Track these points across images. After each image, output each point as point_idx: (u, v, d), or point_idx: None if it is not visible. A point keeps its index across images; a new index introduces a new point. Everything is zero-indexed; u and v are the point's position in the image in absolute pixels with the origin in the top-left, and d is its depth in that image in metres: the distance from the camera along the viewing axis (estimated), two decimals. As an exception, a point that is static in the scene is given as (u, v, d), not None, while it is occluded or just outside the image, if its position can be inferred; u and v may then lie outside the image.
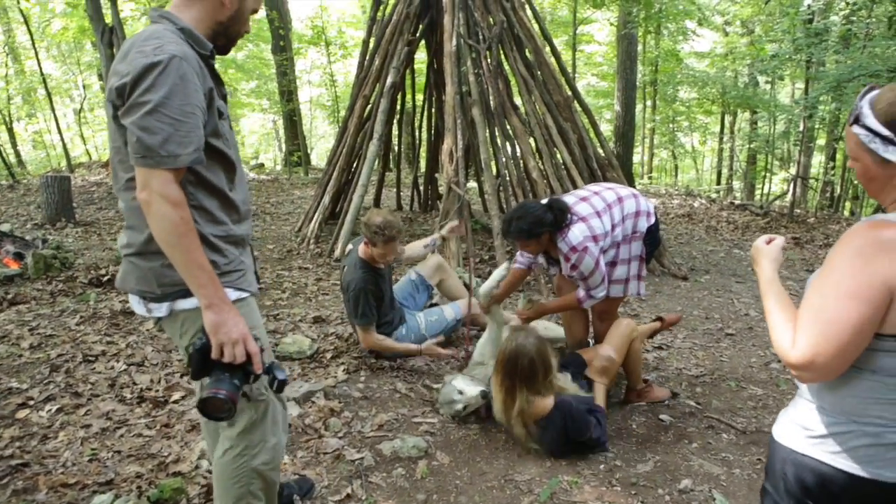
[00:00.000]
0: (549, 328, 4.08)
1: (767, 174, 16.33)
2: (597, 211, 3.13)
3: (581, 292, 3.21)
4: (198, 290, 1.60)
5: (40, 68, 13.37)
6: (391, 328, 3.83)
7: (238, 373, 1.66)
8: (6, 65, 14.92)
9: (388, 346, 3.71)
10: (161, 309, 1.73)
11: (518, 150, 6.21)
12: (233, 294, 1.76)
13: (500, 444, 3.00)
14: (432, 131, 8.51)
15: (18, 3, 13.48)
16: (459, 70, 6.07)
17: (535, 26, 6.63)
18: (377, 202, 9.08)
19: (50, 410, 3.11)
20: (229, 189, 1.78)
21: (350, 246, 3.91)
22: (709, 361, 4.10)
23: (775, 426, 1.45)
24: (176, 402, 3.25)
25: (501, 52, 6.33)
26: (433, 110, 8.35)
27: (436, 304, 4.32)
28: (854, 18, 9.87)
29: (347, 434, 2.99)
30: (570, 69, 12.25)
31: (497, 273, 3.47)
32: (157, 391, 3.36)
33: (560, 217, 3.01)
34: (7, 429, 2.91)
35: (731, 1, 16.26)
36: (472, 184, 8.24)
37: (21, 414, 3.06)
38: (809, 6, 9.51)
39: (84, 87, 18.89)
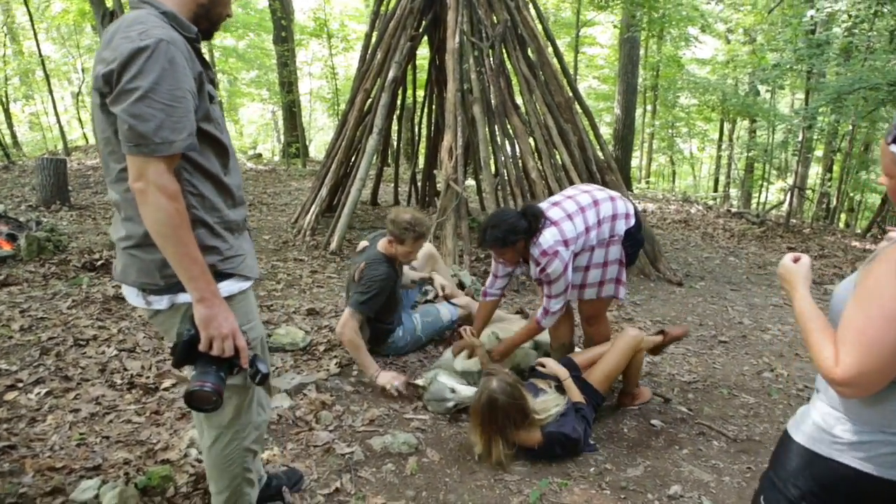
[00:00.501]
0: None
1: (764, 183, 16.38)
2: (568, 214, 3.09)
3: (539, 312, 3.18)
4: (190, 282, 1.58)
5: (39, 50, 13.26)
6: (391, 330, 3.75)
7: (224, 365, 1.66)
8: (4, 45, 14.79)
9: (356, 347, 3.38)
10: (162, 301, 1.71)
11: (517, 149, 6.20)
12: (234, 286, 1.76)
13: (490, 442, 2.99)
14: (432, 128, 8.49)
15: (19, -18, 13.39)
16: (461, 67, 6.06)
17: (539, 26, 6.63)
18: (374, 196, 9.07)
19: (39, 393, 3.08)
20: (223, 174, 1.75)
21: (365, 242, 3.81)
22: (701, 368, 4.11)
23: (794, 426, 1.50)
24: (166, 389, 3.23)
25: (504, 50, 6.32)
26: (433, 107, 8.33)
27: (430, 301, 4.28)
28: (856, 31, 9.91)
29: (338, 428, 2.98)
30: (571, 71, 12.24)
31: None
32: (148, 378, 3.34)
33: (534, 223, 2.99)
34: (-5, 411, 2.88)
35: (734, 9, 16.29)
36: (471, 182, 8.23)
37: (10, 396, 3.03)
38: (812, 17, 9.52)
39: (83, 70, 18.76)
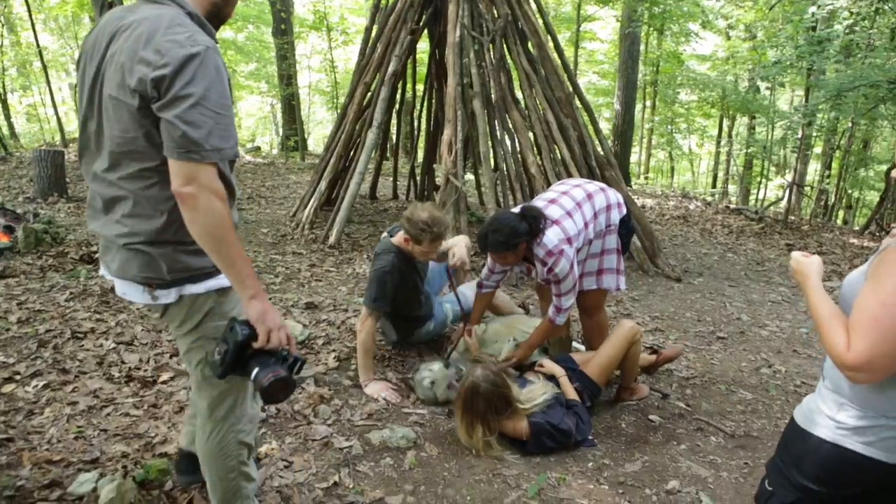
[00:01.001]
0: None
1: (763, 180, 16.38)
2: (567, 211, 3.10)
3: (551, 311, 3.19)
4: (242, 281, 1.59)
5: (37, 41, 13.18)
6: (421, 324, 3.68)
7: (276, 358, 1.65)
8: (2, 36, 14.70)
9: (364, 350, 3.28)
10: (170, 295, 1.69)
11: (517, 144, 6.18)
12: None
13: (489, 437, 2.99)
14: (431, 122, 8.47)
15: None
16: (462, 61, 6.04)
17: (540, 21, 6.60)
18: (373, 190, 9.05)
19: (36, 386, 3.07)
20: (230, 175, 1.73)
21: (385, 234, 3.64)
22: (700, 364, 4.11)
23: (800, 413, 1.57)
24: (164, 382, 3.23)
25: (505, 45, 6.29)
26: (433, 101, 8.31)
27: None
28: (857, 28, 9.89)
29: (336, 422, 2.98)
30: (571, 66, 12.21)
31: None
32: (146, 371, 3.33)
33: (535, 225, 2.97)
34: (-8, 403, 2.87)
35: (735, 5, 16.25)
36: (470, 176, 8.22)
37: (7, 388, 3.02)
38: (813, 14, 9.50)
39: (81, 61, 18.66)
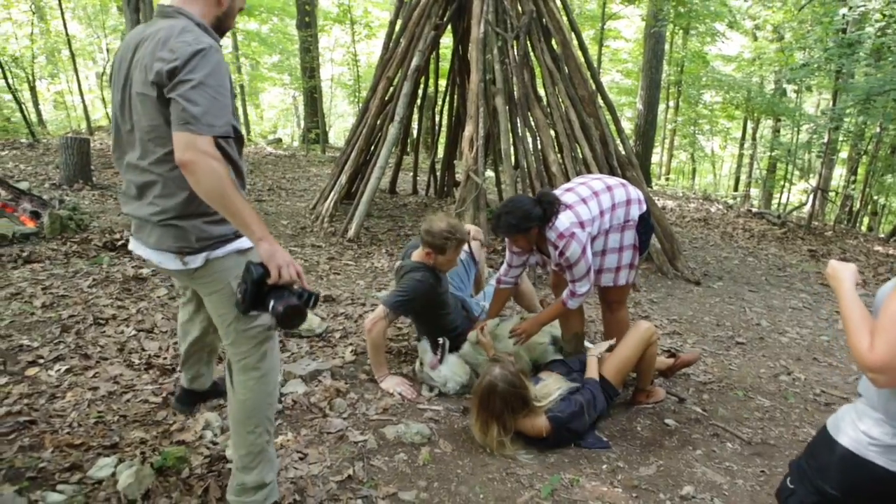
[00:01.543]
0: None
1: (786, 184, 16.15)
2: (582, 198, 3.12)
3: (565, 293, 3.19)
4: (249, 226, 1.84)
5: (66, 29, 13.36)
6: (457, 334, 3.60)
7: (288, 291, 1.87)
8: (32, 24, 14.92)
9: (376, 347, 3.27)
10: (198, 259, 1.99)
11: (539, 142, 6.16)
12: (247, 241, 2.03)
13: (503, 436, 2.99)
14: (453, 117, 8.46)
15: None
16: (485, 57, 6.02)
17: (564, 18, 6.56)
18: (393, 185, 9.07)
19: (59, 370, 3.13)
20: (238, 158, 2.06)
21: (398, 263, 3.63)
22: (717, 369, 4.07)
23: (833, 423, 1.60)
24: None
25: (529, 42, 6.26)
26: (455, 96, 8.30)
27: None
28: (889, 31, 9.69)
29: (352, 415, 2.99)
30: (595, 64, 12.13)
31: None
32: (165, 359, 3.38)
33: (549, 210, 3.01)
34: (17, 385, 2.93)
35: (764, 5, 16.01)
36: (490, 173, 8.19)
37: (31, 371, 3.08)
38: (844, 16, 9.33)
39: (108, 50, 18.91)
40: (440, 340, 3.39)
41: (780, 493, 1.73)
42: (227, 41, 17.65)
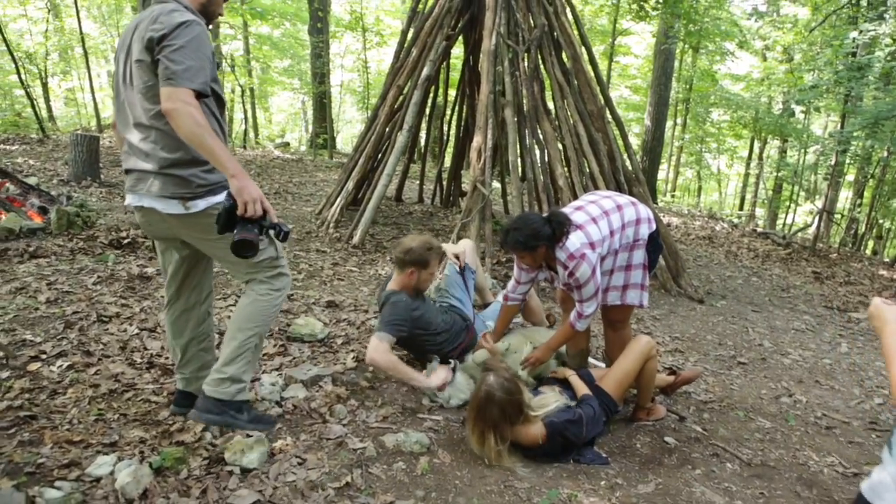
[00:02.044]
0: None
1: (792, 204, 16.14)
2: (592, 217, 3.11)
3: (573, 315, 3.18)
4: (224, 163, 2.15)
5: (80, 27, 13.46)
6: (452, 349, 3.57)
7: (256, 224, 2.24)
8: (47, 21, 15.03)
9: (392, 365, 3.18)
10: (199, 204, 2.32)
11: (546, 155, 6.17)
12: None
13: (502, 448, 2.98)
14: (461, 128, 8.49)
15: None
16: (496, 69, 6.04)
17: (575, 32, 6.59)
18: (399, 193, 9.08)
19: (61, 366, 3.13)
20: (220, 116, 2.43)
21: (378, 293, 3.64)
22: (719, 388, 4.06)
23: (868, 487, 1.57)
24: (185, 371, 3.26)
25: (539, 55, 6.29)
26: (464, 107, 8.33)
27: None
28: (899, 56, 9.71)
29: (352, 422, 2.99)
30: (605, 79, 12.18)
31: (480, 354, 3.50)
32: (167, 358, 3.37)
33: (558, 230, 2.98)
34: (18, 380, 2.93)
35: (774, 26, 16.06)
36: (496, 184, 8.21)
37: (33, 367, 3.08)
38: (854, 39, 9.36)
39: (120, 49, 18.98)
40: (451, 363, 3.37)
41: None
42: (238, 44, 17.79)
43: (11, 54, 11.72)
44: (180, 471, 2.41)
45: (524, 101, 6.09)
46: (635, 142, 16.87)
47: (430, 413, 3.22)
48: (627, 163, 6.52)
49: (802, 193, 15.86)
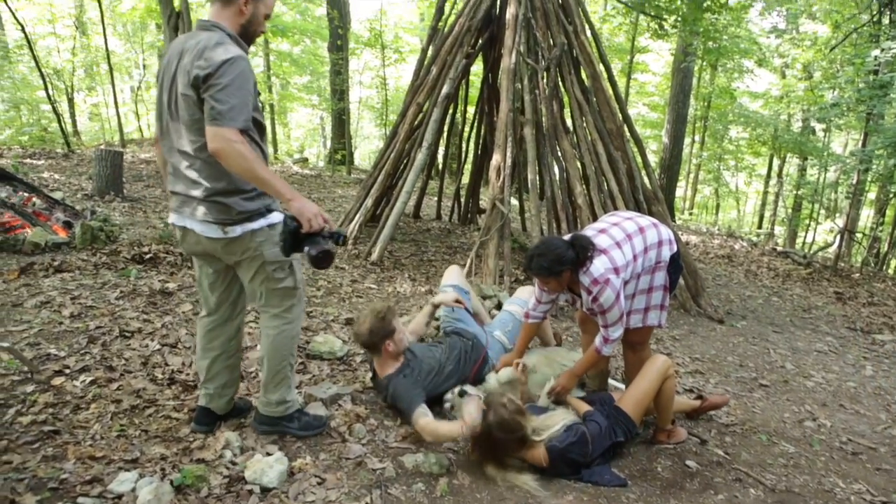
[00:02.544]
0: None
1: (812, 223, 15.97)
2: (617, 242, 3.08)
3: (598, 340, 3.16)
4: (278, 191, 2.33)
5: (106, 44, 13.74)
6: (457, 381, 3.49)
7: (319, 236, 2.40)
8: (74, 38, 15.37)
9: (435, 434, 2.95)
10: (237, 230, 2.44)
11: (565, 173, 6.17)
12: (279, 216, 2.51)
13: (521, 470, 2.96)
14: (479, 145, 8.52)
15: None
16: (515, 87, 6.07)
17: (594, 50, 6.60)
18: (417, 210, 9.12)
19: (84, 381, 3.16)
20: (262, 142, 2.50)
21: (375, 383, 3.47)
22: (740, 411, 4.00)
23: None
24: (205, 387, 3.28)
25: (559, 73, 6.32)
26: (483, 124, 8.36)
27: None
28: (922, 75, 9.61)
29: (371, 442, 2.98)
30: (623, 97, 12.18)
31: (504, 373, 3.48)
32: (188, 375, 3.40)
33: (582, 254, 2.97)
34: (43, 394, 2.96)
35: (794, 44, 15.99)
36: (515, 202, 8.21)
37: (57, 381, 3.11)
38: (876, 58, 9.28)
39: (144, 66, 19.40)
40: (470, 393, 3.28)
41: None
42: (258, 60, 18.04)
43: (40, 70, 11.98)
44: (201, 489, 2.41)
45: (543, 120, 6.11)
46: (653, 159, 16.80)
47: (449, 433, 3.20)
48: (646, 181, 6.50)
49: (823, 212, 15.69)
